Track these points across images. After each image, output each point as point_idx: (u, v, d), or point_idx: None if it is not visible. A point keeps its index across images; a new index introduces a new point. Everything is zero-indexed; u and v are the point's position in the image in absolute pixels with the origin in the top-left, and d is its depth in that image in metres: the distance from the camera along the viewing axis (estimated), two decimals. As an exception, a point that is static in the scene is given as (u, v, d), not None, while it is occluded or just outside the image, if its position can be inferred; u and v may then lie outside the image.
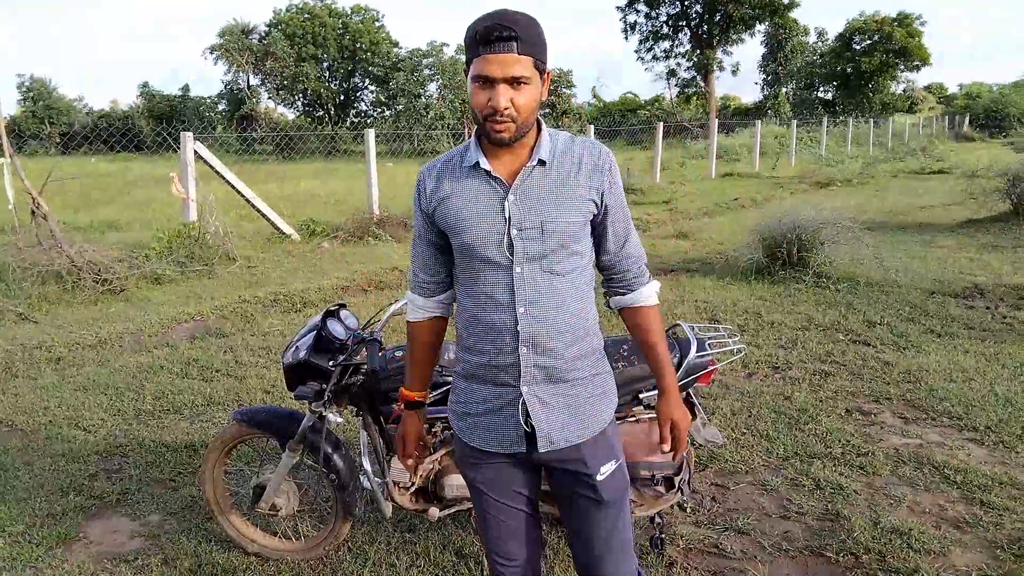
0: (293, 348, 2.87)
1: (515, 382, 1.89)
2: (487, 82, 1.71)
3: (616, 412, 2.82)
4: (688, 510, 3.51)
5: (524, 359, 1.87)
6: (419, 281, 2.07)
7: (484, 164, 1.83)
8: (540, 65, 1.74)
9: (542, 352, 1.87)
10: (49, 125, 43.98)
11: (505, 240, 1.83)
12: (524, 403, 1.89)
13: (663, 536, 3.16)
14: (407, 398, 2.16)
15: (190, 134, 9.63)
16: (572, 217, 1.84)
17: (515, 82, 1.70)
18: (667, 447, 2.04)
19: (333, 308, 2.93)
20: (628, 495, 2.06)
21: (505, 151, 1.83)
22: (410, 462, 2.24)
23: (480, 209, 1.84)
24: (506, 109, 1.71)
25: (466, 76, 1.80)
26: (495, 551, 2.07)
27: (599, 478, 1.94)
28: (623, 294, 2.03)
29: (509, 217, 1.82)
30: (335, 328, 2.84)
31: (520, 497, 2.04)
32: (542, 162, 1.83)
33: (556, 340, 1.87)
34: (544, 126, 1.87)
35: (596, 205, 1.87)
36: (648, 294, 2.02)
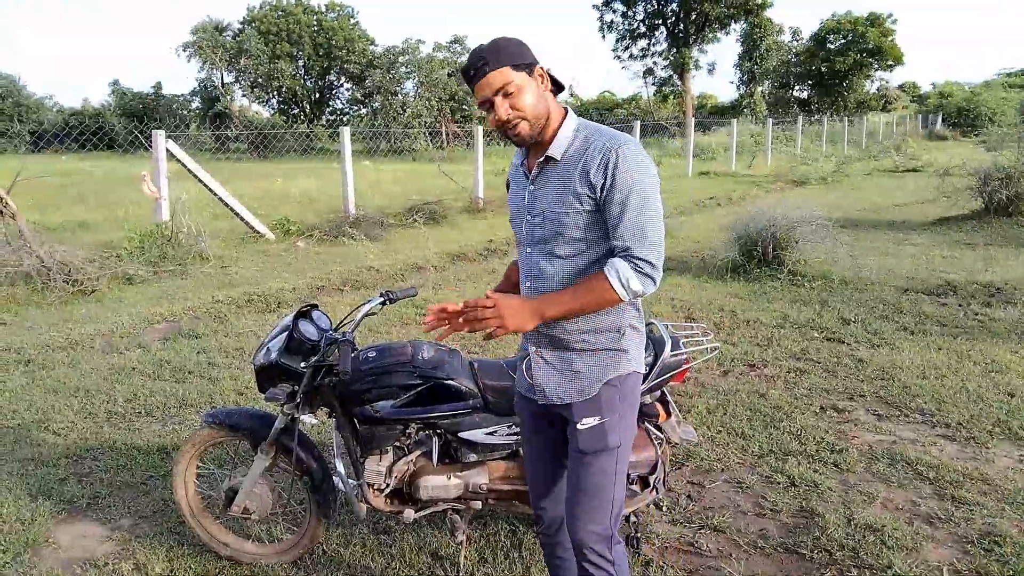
0: (264, 349, 2.83)
1: (528, 342, 2.25)
2: (488, 105, 2.03)
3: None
4: (664, 508, 3.51)
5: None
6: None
7: (518, 160, 2.26)
8: (520, 67, 2.00)
9: (543, 323, 2.10)
10: (18, 123, 43.26)
11: (524, 224, 2.19)
12: (531, 360, 2.23)
13: (639, 535, 3.16)
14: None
15: (162, 132, 9.51)
16: (566, 208, 2.06)
17: (505, 93, 2.00)
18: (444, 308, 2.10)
19: (305, 308, 2.89)
20: (610, 456, 2.18)
21: (534, 148, 2.15)
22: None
23: (516, 196, 2.25)
24: (508, 115, 2.02)
25: None
26: (531, 490, 2.44)
27: (579, 427, 2.16)
28: None
29: (528, 205, 2.16)
30: (307, 329, 2.81)
31: (546, 440, 2.35)
32: (552, 159, 2.08)
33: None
34: (569, 121, 2.10)
35: (591, 200, 2.03)
36: (611, 265, 2.00)
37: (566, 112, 2.12)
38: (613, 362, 2.15)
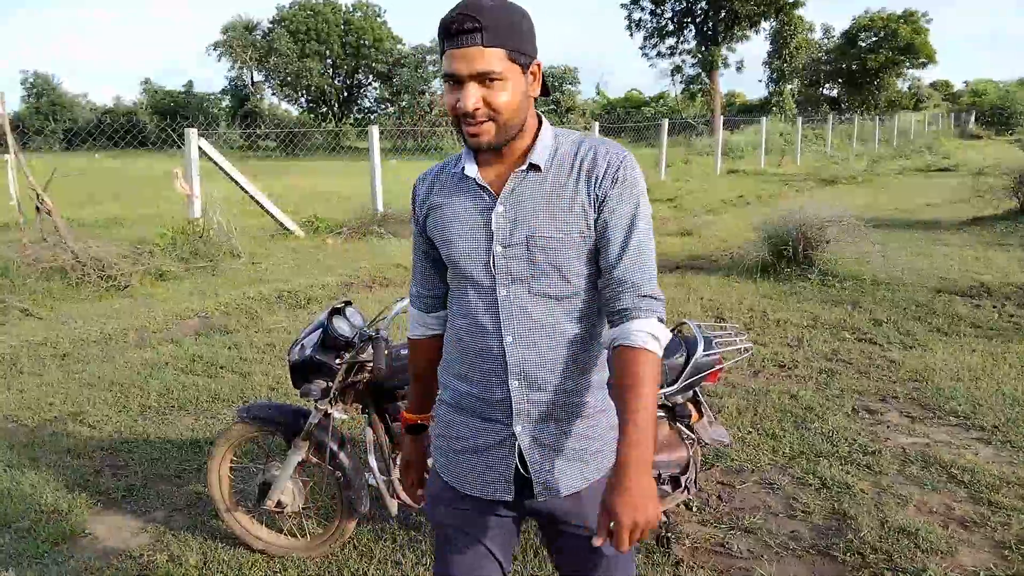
0: (299, 345, 2.86)
1: (507, 420, 1.64)
2: (455, 81, 1.50)
3: None
4: (694, 509, 3.50)
5: (516, 394, 1.63)
6: (416, 294, 1.86)
7: (471, 171, 1.62)
8: (518, 57, 1.51)
9: (538, 387, 1.62)
10: (53, 121, 44.03)
11: (489, 257, 1.61)
12: (519, 445, 1.64)
13: (669, 535, 3.15)
14: (408, 421, 1.95)
15: (195, 130, 9.62)
16: (566, 232, 1.58)
17: (485, 79, 1.48)
18: (598, 541, 1.49)
19: (339, 305, 2.92)
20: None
21: (495, 156, 1.61)
22: (419, 492, 2.00)
23: (466, 221, 1.63)
24: (477, 110, 1.50)
25: None
26: None
27: (595, 526, 1.61)
28: (617, 323, 1.60)
29: (496, 231, 1.60)
30: (341, 326, 2.84)
31: (492, 555, 1.76)
32: (535, 167, 1.59)
33: (554, 373, 1.62)
34: (547, 125, 1.64)
35: (594, 215, 1.59)
36: (635, 331, 1.56)
37: (541, 120, 1.65)
38: (610, 427, 1.68)
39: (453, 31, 1.46)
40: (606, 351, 1.68)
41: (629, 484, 1.46)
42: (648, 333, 1.55)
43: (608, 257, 1.59)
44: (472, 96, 1.49)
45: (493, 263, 1.60)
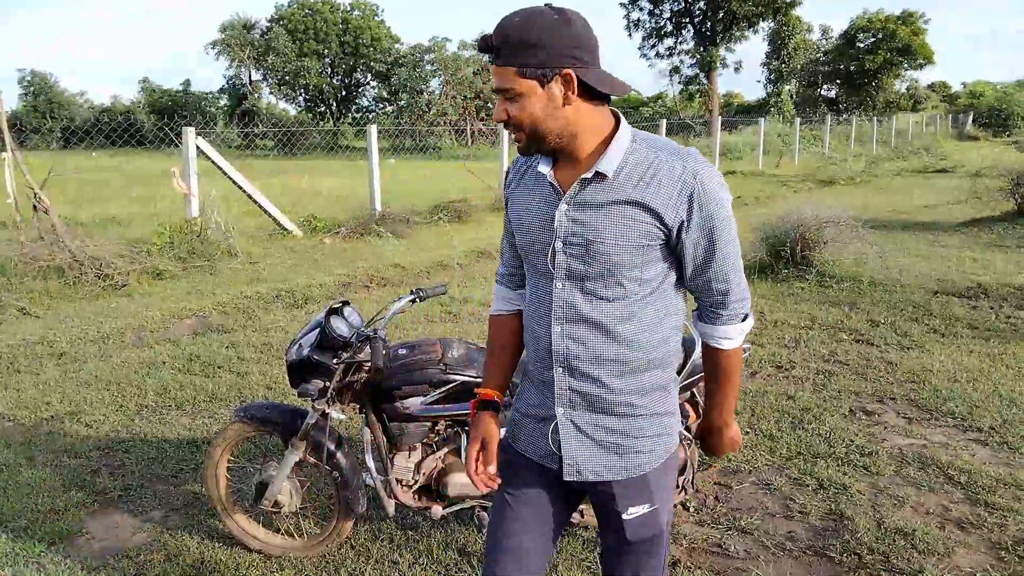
0: (297, 345, 2.86)
1: (552, 400, 1.78)
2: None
3: None
4: (691, 509, 3.50)
5: (559, 381, 1.75)
6: (504, 272, 2.00)
7: (544, 169, 1.70)
8: (530, 72, 1.55)
9: (581, 377, 1.73)
10: (50, 120, 43.96)
11: (550, 251, 1.71)
12: (557, 425, 1.77)
13: (666, 535, 3.15)
14: (482, 396, 1.94)
15: (192, 129, 9.60)
16: (626, 241, 1.63)
17: (506, 94, 1.60)
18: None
19: (337, 305, 2.92)
20: (662, 541, 1.86)
21: (564, 158, 1.69)
22: (491, 469, 1.87)
23: (534, 214, 1.74)
24: (503, 121, 1.64)
25: None
26: (492, 562, 1.88)
27: (625, 517, 1.79)
28: (699, 319, 1.83)
29: (557, 228, 1.68)
30: (339, 325, 2.84)
31: (544, 517, 1.87)
32: (601, 175, 1.62)
33: (600, 368, 1.71)
34: (624, 128, 1.66)
35: (663, 233, 1.63)
36: (721, 335, 1.77)
37: (617, 121, 1.67)
38: (661, 432, 1.79)
39: (482, 49, 1.60)
40: (669, 357, 1.79)
41: (721, 439, 1.91)
42: (727, 338, 1.76)
43: (692, 270, 1.71)
44: (497, 109, 1.64)
45: (552, 257, 1.71)
